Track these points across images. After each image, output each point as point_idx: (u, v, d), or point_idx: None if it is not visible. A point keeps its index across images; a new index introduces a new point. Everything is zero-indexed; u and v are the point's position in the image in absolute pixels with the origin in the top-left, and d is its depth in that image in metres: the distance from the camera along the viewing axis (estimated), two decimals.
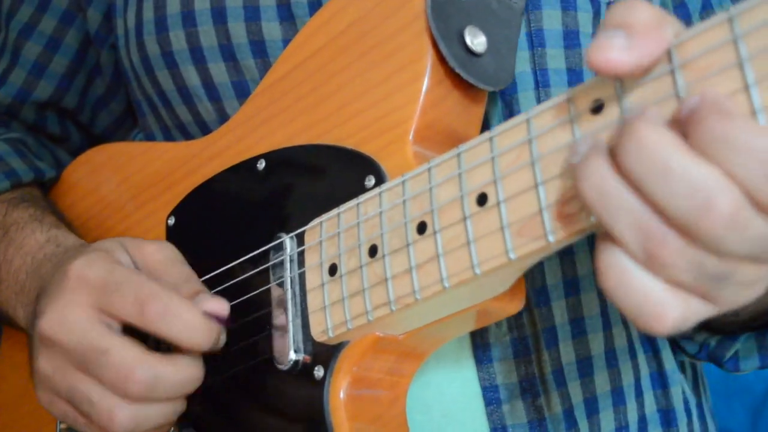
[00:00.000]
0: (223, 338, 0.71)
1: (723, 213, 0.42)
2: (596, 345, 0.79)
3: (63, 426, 0.85)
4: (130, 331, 0.70)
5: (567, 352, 0.78)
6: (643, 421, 0.82)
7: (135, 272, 0.70)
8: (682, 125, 0.44)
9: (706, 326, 0.81)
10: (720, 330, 0.81)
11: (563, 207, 0.51)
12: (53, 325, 0.70)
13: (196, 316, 0.68)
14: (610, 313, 0.80)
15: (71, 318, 0.69)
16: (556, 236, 0.51)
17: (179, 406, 0.71)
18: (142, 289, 0.68)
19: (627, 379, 0.81)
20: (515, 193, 0.54)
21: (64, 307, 0.70)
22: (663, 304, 0.46)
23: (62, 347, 0.70)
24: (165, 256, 0.74)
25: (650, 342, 0.83)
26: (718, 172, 0.43)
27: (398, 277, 0.60)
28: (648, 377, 0.83)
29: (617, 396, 0.80)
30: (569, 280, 0.78)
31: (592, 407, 0.79)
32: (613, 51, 0.45)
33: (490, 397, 0.75)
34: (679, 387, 0.85)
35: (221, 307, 0.70)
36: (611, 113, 0.49)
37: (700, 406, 0.89)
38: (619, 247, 0.46)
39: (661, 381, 0.84)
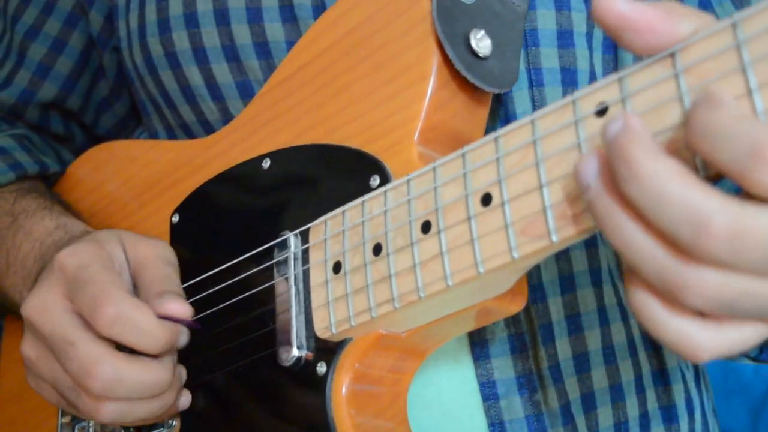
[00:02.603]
0: (183, 339, 0.72)
1: (719, 232, 0.42)
2: (593, 341, 0.80)
3: (65, 420, 0.85)
4: None
5: (563, 349, 0.78)
6: (645, 417, 0.82)
7: (105, 273, 0.70)
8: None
9: None
10: None
11: (567, 207, 0.52)
12: (33, 310, 0.71)
13: (148, 321, 0.68)
14: (607, 310, 0.81)
15: (49, 305, 0.71)
16: (559, 235, 0.52)
17: (167, 400, 0.71)
18: (100, 293, 0.68)
19: (626, 376, 0.81)
20: (519, 194, 0.54)
21: (45, 293, 0.71)
22: (695, 341, 0.46)
23: (40, 333, 0.71)
24: (152, 254, 0.75)
25: (651, 340, 0.83)
26: (711, 193, 0.43)
27: (402, 274, 0.61)
28: (650, 374, 0.83)
29: (616, 392, 0.80)
30: (565, 277, 0.79)
31: (589, 403, 0.79)
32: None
33: (488, 393, 0.76)
34: (681, 384, 0.85)
35: (181, 309, 0.70)
36: None
37: (702, 403, 0.89)
38: (645, 290, 0.47)
39: (662, 378, 0.84)
